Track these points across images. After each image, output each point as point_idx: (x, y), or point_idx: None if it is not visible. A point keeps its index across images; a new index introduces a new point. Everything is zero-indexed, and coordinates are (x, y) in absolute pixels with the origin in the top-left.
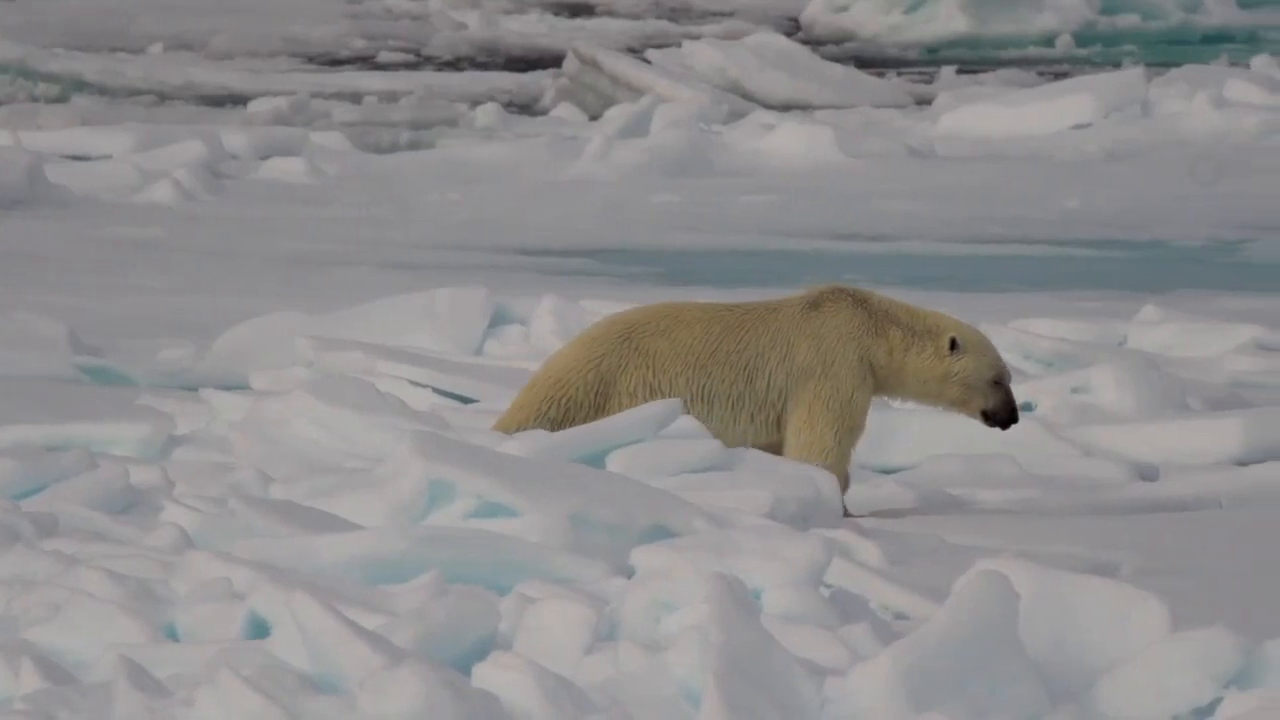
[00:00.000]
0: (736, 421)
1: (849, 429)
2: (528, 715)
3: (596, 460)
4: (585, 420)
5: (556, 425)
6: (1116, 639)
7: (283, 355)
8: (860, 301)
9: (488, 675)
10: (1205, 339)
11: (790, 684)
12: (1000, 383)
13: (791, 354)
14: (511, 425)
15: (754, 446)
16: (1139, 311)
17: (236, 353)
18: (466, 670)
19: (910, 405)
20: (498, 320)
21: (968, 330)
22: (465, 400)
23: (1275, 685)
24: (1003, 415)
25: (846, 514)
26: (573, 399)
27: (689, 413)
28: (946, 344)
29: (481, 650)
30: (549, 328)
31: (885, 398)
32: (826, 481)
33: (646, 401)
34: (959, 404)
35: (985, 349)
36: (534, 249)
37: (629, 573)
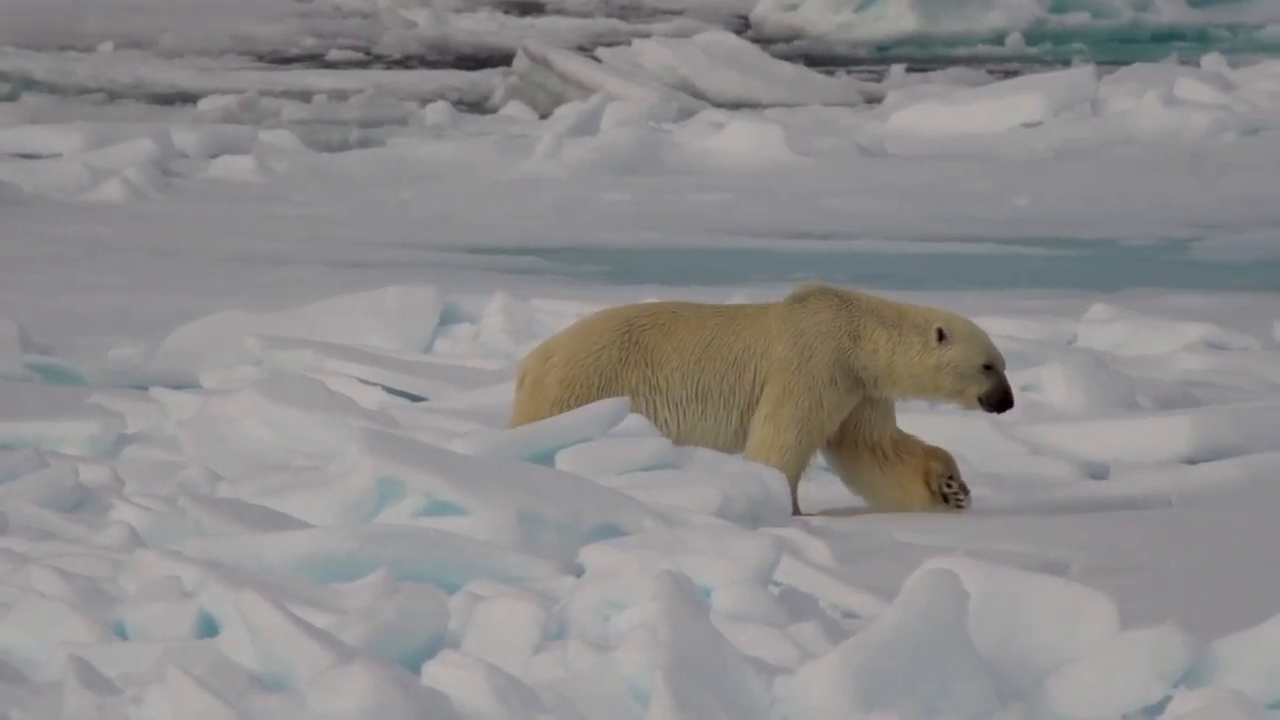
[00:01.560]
0: (730, 419)
1: (811, 429)
2: (477, 713)
3: (545, 459)
4: None
5: None
6: (1066, 637)
7: (232, 354)
8: (845, 302)
9: (437, 673)
10: (1155, 337)
11: (739, 682)
12: (993, 367)
13: (771, 348)
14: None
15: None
16: (1088, 310)
17: (186, 351)
18: (416, 668)
19: (921, 403)
20: (447, 318)
21: (955, 320)
22: (415, 398)
23: (1224, 684)
24: (996, 399)
25: (797, 512)
26: (580, 399)
27: (686, 412)
28: (934, 335)
29: (431, 648)
30: (499, 326)
31: (883, 396)
32: (775, 480)
33: (649, 399)
34: (955, 394)
35: (974, 336)
36: (484, 247)
37: (578, 571)
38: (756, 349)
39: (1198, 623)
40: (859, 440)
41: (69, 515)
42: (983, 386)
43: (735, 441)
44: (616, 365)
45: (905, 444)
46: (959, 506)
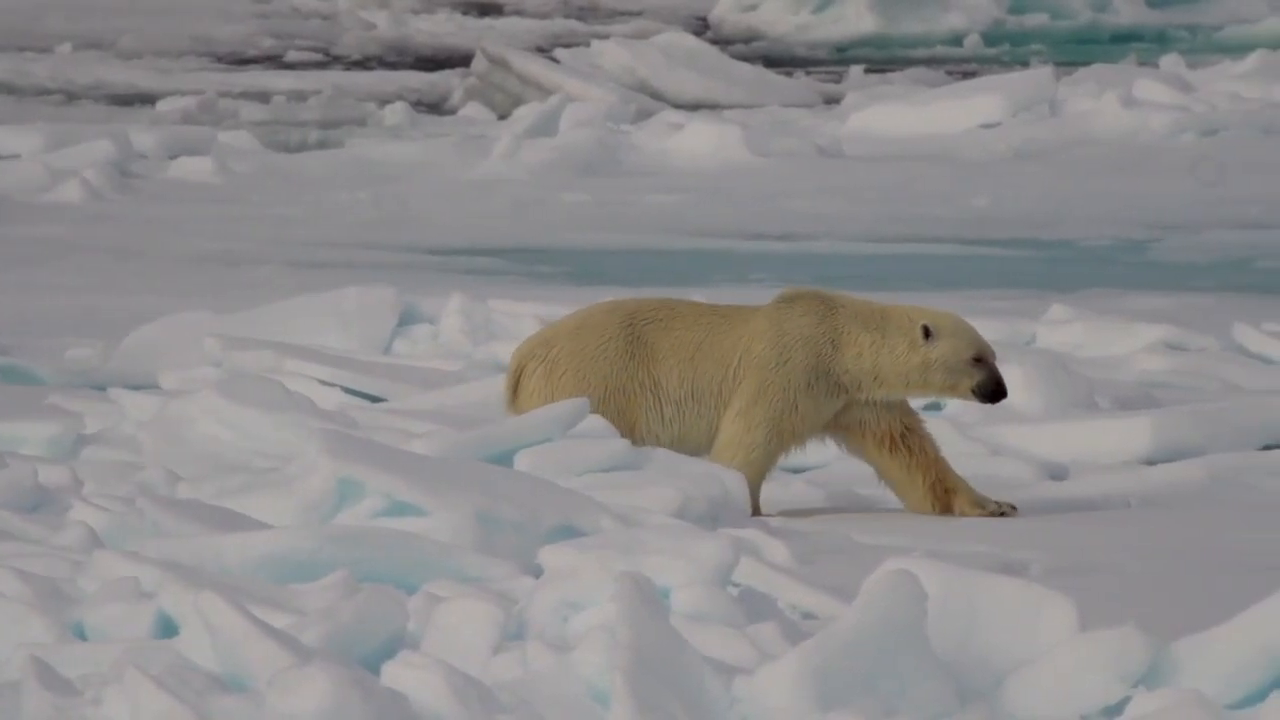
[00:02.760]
0: (719, 415)
1: (782, 432)
2: (436, 714)
3: (504, 459)
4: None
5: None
6: (1025, 638)
7: (191, 354)
8: (829, 308)
9: (396, 674)
10: (1113, 338)
11: (698, 683)
12: (982, 359)
13: (753, 346)
14: None
15: None
16: (1047, 311)
17: (145, 352)
18: (375, 669)
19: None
20: (406, 319)
21: (940, 316)
22: (374, 399)
23: (1183, 684)
24: (989, 389)
25: (758, 513)
26: (586, 392)
27: (683, 410)
28: (919, 333)
29: (390, 649)
30: (457, 327)
31: (873, 399)
32: (734, 481)
33: (652, 395)
34: (948, 389)
35: (960, 330)
36: (442, 248)
37: (537, 572)
38: (741, 347)
39: (1157, 623)
40: (865, 433)
41: (27, 516)
42: (974, 378)
43: None
44: (622, 359)
45: (927, 448)
46: (1006, 513)
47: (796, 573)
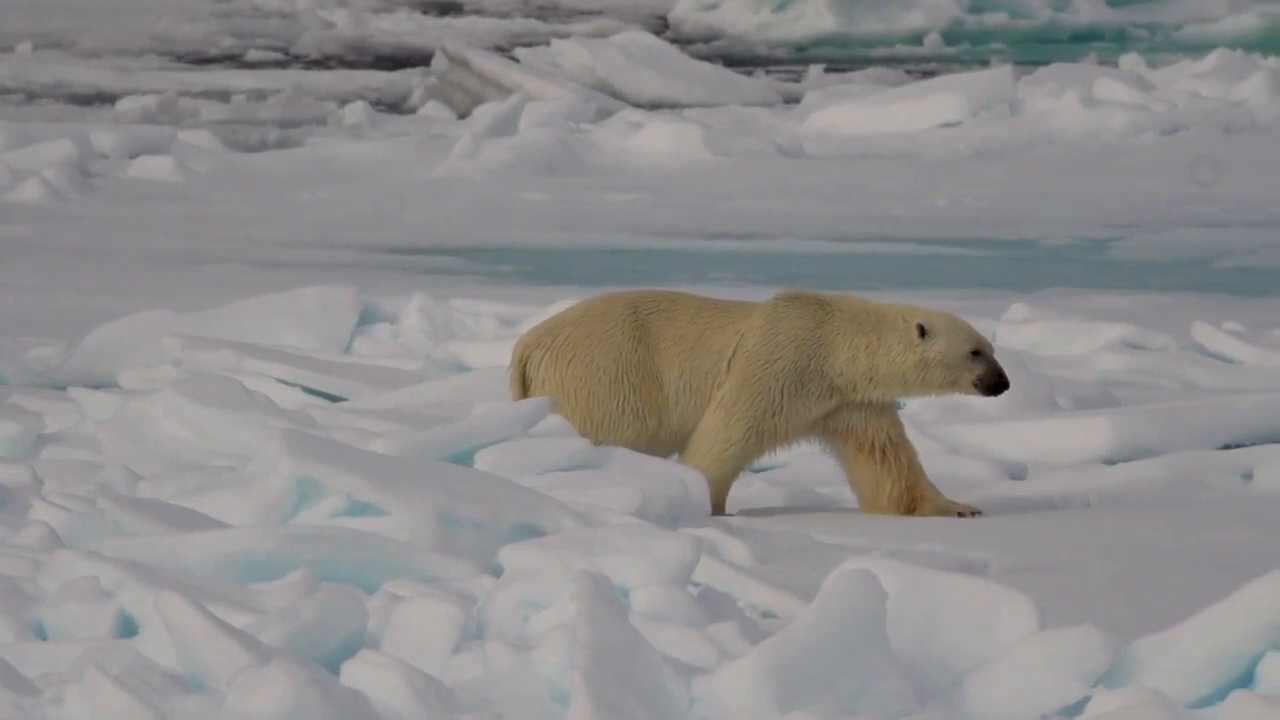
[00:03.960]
0: None
1: (761, 432)
2: (396, 714)
3: (464, 459)
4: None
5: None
6: (984, 637)
7: (151, 354)
8: (824, 310)
9: (356, 673)
10: (1073, 337)
11: (658, 682)
12: (980, 353)
13: (745, 341)
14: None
15: None
16: (1007, 310)
17: (105, 351)
18: (335, 668)
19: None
20: (366, 319)
21: (934, 314)
22: (334, 398)
23: (1142, 683)
24: (991, 381)
25: (721, 510)
26: (595, 379)
27: (681, 401)
28: (915, 333)
29: (350, 648)
30: (417, 326)
31: (870, 399)
32: (694, 480)
33: (654, 382)
34: (949, 385)
35: (955, 327)
36: (403, 247)
37: (497, 571)
38: (735, 342)
39: (1117, 622)
40: (849, 436)
41: None
42: (974, 373)
43: None
44: (630, 343)
45: (901, 457)
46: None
47: (756, 572)
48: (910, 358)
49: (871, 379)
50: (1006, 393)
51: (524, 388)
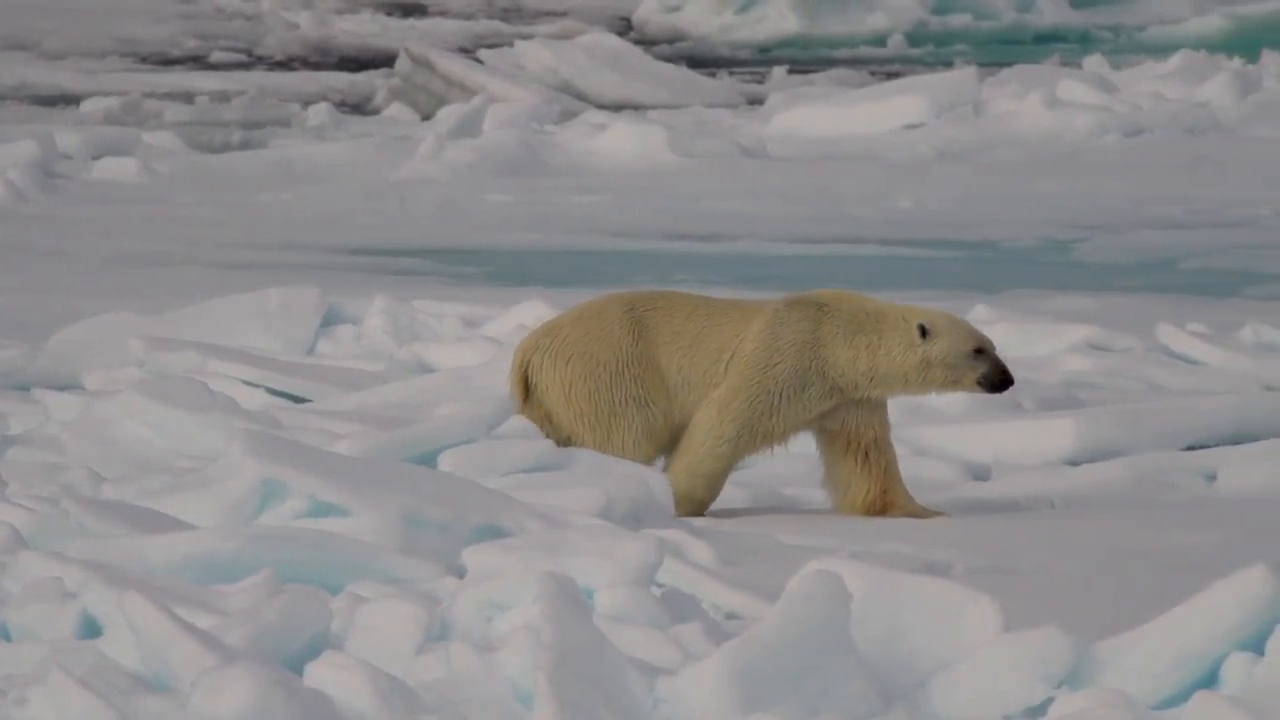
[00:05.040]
0: None
1: (755, 433)
2: (360, 715)
3: (428, 460)
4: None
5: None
6: (949, 639)
7: (115, 355)
8: (825, 313)
9: (320, 674)
10: (1037, 339)
11: (622, 684)
12: (983, 350)
13: (744, 345)
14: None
15: None
16: (970, 311)
17: (69, 353)
18: (299, 669)
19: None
20: (330, 320)
21: (934, 314)
22: (297, 400)
23: (1107, 684)
24: (996, 379)
25: (702, 510)
26: (595, 377)
27: (678, 398)
28: (916, 333)
29: (314, 649)
30: (381, 327)
31: (871, 397)
32: (658, 481)
33: (649, 375)
34: (952, 384)
35: (956, 326)
36: (366, 249)
37: (461, 572)
38: (734, 344)
39: (1081, 623)
40: (839, 433)
41: None
42: (978, 371)
43: None
44: (628, 339)
45: (881, 460)
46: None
47: (720, 573)
48: (912, 358)
49: (873, 379)
50: (963, 396)
51: (526, 393)
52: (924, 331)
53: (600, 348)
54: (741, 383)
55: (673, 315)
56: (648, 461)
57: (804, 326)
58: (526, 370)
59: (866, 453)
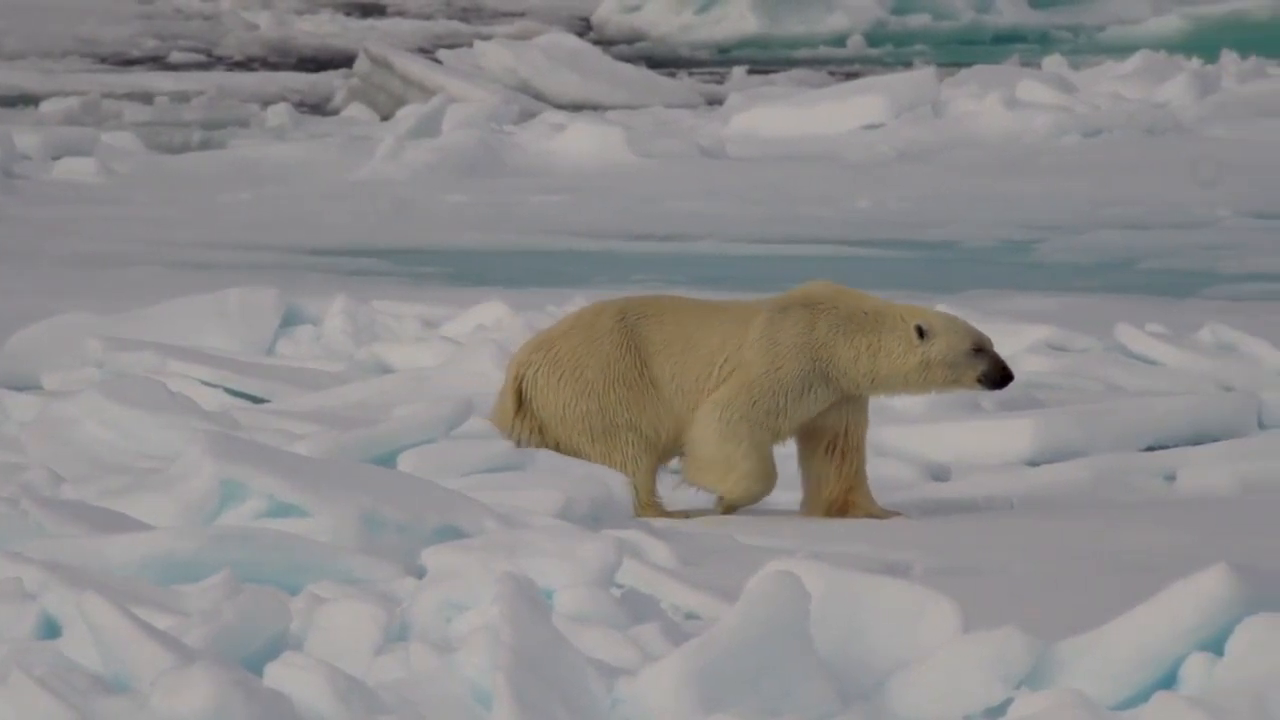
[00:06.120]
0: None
1: (770, 430)
2: (319, 715)
3: (387, 460)
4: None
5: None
6: (908, 639)
7: (74, 355)
8: (822, 314)
9: (279, 675)
10: (996, 339)
11: (581, 684)
12: (981, 348)
13: (744, 351)
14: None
15: None
16: None
17: (28, 353)
18: (258, 670)
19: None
20: (289, 320)
21: (931, 314)
22: (256, 400)
23: (1066, 685)
24: (996, 376)
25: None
26: (587, 390)
27: (675, 405)
28: (914, 334)
29: (273, 650)
30: (340, 328)
31: (869, 395)
32: (617, 482)
33: (642, 385)
34: (952, 383)
35: (954, 325)
36: (325, 249)
37: (420, 573)
38: (729, 349)
39: (1040, 624)
40: (822, 429)
41: None
42: (978, 369)
43: None
44: (619, 350)
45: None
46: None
47: (679, 574)
48: (911, 359)
49: (874, 380)
50: (923, 396)
51: (519, 405)
52: (921, 332)
53: (590, 364)
54: (743, 386)
55: (664, 323)
56: (650, 472)
57: (800, 329)
58: (521, 384)
59: (843, 452)
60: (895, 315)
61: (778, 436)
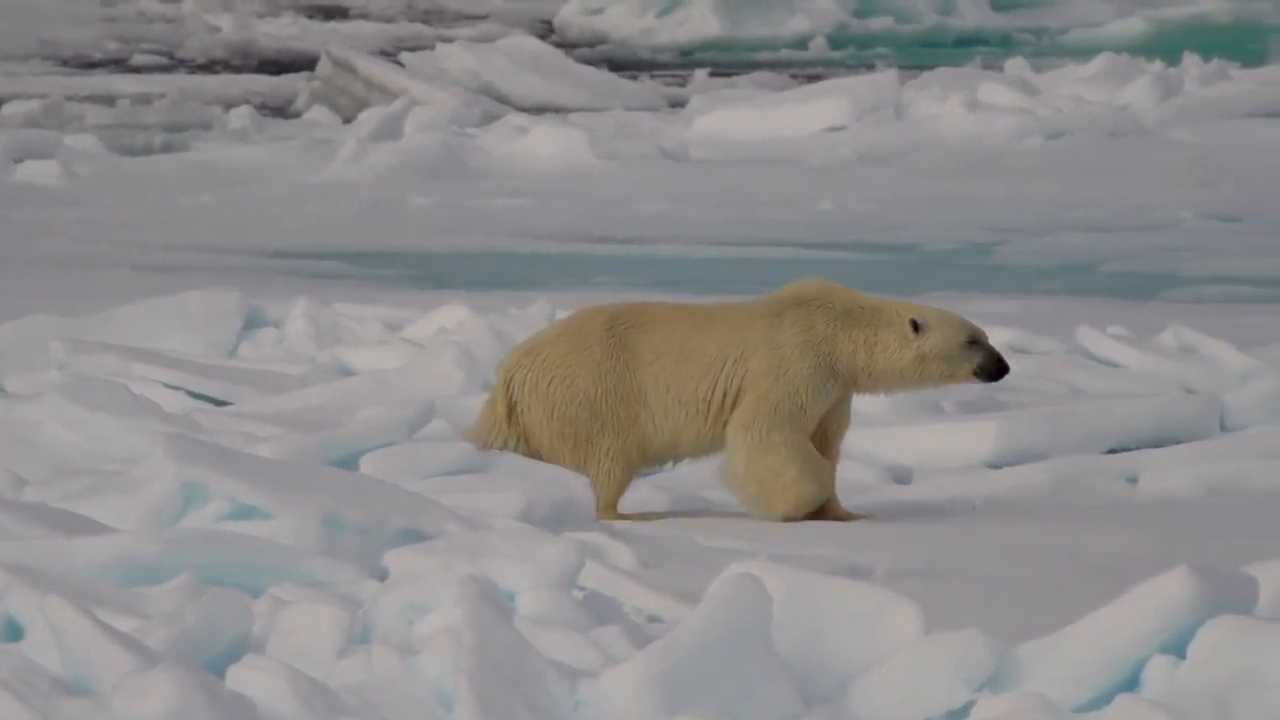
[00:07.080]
0: (705, 422)
1: (802, 428)
2: (281, 717)
3: (350, 463)
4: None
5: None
6: (870, 641)
7: (36, 358)
8: (821, 311)
9: (241, 677)
10: None
11: (543, 686)
12: (977, 341)
13: (746, 358)
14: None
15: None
16: None
17: None
18: (220, 672)
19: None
20: (251, 323)
21: (925, 309)
22: (219, 403)
23: (1028, 687)
24: (992, 368)
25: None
26: (574, 399)
27: (670, 414)
28: (909, 328)
29: (235, 652)
30: (302, 330)
31: (868, 393)
32: (579, 484)
33: (631, 397)
34: (948, 378)
35: (948, 319)
36: (288, 251)
37: (382, 575)
38: (732, 354)
39: (1002, 626)
40: (819, 427)
41: None
42: (973, 362)
43: (714, 446)
44: (609, 361)
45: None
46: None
47: (641, 576)
48: (907, 354)
49: (871, 375)
50: (884, 399)
51: (509, 411)
52: (916, 326)
53: (580, 372)
54: (760, 397)
55: (654, 332)
56: (620, 486)
57: (800, 328)
58: (510, 390)
59: (824, 452)
60: (890, 310)
61: (808, 433)
